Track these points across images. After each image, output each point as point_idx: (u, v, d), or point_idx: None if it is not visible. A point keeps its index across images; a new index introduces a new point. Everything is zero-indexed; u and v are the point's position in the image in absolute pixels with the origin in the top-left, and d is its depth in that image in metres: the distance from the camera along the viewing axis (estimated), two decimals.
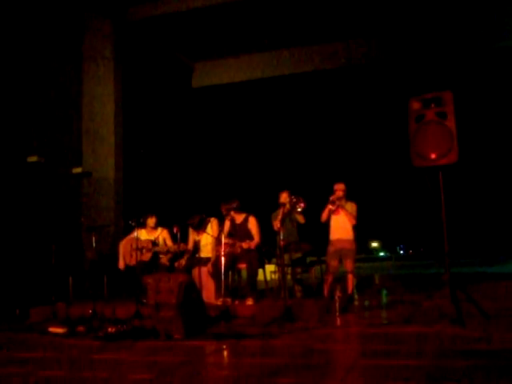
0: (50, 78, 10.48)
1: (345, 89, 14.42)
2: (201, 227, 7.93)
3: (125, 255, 8.25)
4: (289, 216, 7.95)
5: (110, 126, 11.07)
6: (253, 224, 7.75)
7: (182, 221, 7.86)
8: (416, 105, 5.82)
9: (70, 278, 8.09)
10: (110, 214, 10.79)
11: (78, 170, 9.16)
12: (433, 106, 5.71)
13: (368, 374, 3.65)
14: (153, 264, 8.05)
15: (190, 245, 8.10)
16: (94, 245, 7.71)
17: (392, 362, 3.90)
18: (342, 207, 7.60)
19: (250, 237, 7.66)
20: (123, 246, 8.29)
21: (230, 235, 7.77)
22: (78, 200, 10.70)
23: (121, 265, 8.23)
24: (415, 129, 5.77)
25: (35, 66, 10.13)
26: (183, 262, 7.98)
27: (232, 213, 7.86)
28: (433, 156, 5.62)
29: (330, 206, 7.60)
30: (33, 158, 8.46)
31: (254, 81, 14.08)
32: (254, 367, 4.01)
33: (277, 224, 7.29)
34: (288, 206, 7.41)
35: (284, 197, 8.01)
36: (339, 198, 7.60)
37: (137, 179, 11.45)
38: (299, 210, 7.16)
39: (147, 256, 8.09)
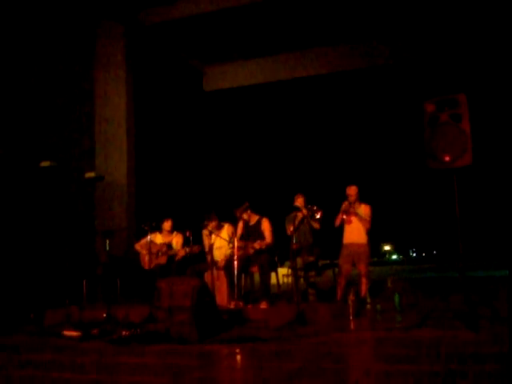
0: (63, 83, 10.53)
1: (358, 91, 14.40)
2: (216, 226, 7.89)
3: (142, 258, 8.29)
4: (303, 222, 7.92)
5: (122, 130, 11.09)
6: (266, 226, 7.75)
7: (195, 225, 7.85)
8: (430, 107, 5.80)
9: (84, 282, 8.12)
10: (122, 218, 10.79)
11: (91, 174, 9.15)
12: (447, 108, 5.69)
13: (383, 379, 3.62)
14: (169, 267, 8.07)
15: (206, 248, 8.09)
16: (107, 249, 7.73)
17: (406, 367, 3.88)
18: (356, 214, 7.57)
19: (262, 238, 7.66)
20: (142, 248, 8.31)
21: (242, 238, 7.77)
22: (91, 204, 10.74)
23: (145, 265, 8.23)
24: (430, 131, 5.75)
25: (48, 72, 10.19)
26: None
27: (246, 215, 7.86)
28: (447, 158, 5.59)
29: (344, 216, 7.59)
30: (46, 163, 8.48)
31: (266, 84, 14.07)
32: (269, 371, 3.99)
33: (290, 229, 7.27)
34: (304, 211, 7.41)
35: (300, 201, 8.00)
36: (352, 205, 7.57)
37: (150, 184, 11.47)
38: (318, 217, 7.13)
39: (163, 259, 8.12)
